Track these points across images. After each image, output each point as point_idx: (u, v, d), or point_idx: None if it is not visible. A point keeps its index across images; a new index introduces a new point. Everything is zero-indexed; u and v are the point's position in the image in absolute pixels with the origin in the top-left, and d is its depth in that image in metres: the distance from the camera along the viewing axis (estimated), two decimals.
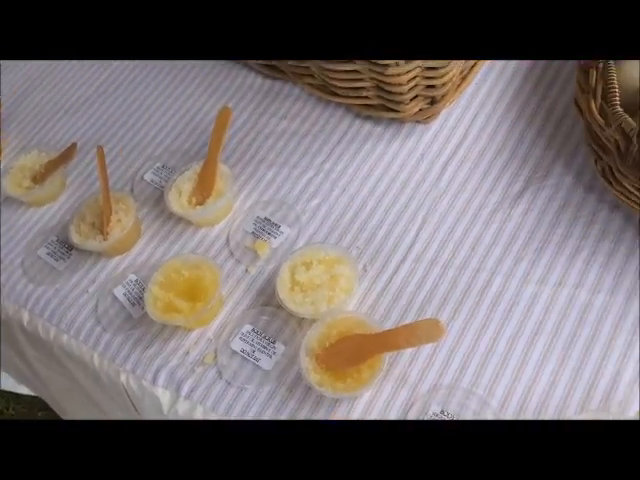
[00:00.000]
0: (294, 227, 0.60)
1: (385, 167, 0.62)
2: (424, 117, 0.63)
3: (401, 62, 0.56)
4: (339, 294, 0.53)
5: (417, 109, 0.62)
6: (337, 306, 0.52)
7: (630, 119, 0.47)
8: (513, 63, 0.65)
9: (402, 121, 0.64)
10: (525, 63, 0.64)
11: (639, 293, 0.50)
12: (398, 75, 0.57)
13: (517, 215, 0.56)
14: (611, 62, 0.50)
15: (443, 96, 0.61)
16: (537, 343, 0.50)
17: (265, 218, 0.61)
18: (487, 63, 0.65)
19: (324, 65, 0.61)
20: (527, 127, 0.61)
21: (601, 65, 0.51)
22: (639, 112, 0.50)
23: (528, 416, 0.47)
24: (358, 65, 0.58)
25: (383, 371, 0.48)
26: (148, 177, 0.67)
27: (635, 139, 0.46)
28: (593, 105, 0.51)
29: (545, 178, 0.57)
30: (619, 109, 0.48)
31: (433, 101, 0.62)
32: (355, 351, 0.48)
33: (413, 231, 0.58)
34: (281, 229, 0.60)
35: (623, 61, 0.52)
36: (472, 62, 0.62)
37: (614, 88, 0.49)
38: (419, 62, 0.56)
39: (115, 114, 0.74)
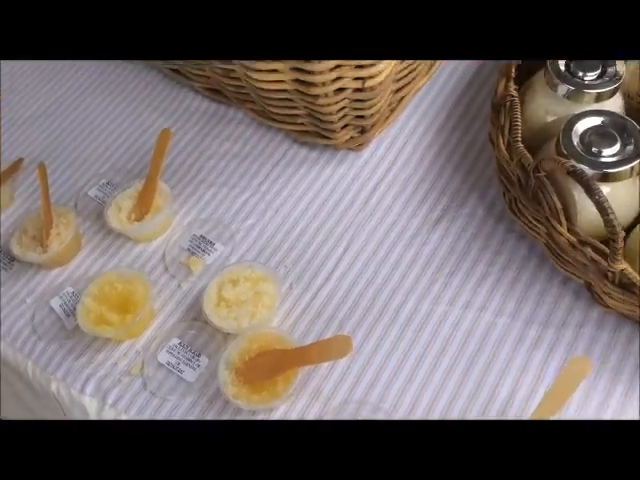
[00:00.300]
0: (228, 245, 0.63)
1: (317, 191, 0.66)
2: (355, 145, 0.67)
3: (330, 93, 0.60)
4: (261, 310, 0.56)
5: (348, 137, 0.66)
6: (259, 322, 0.55)
7: (528, 155, 0.52)
8: (441, 98, 0.69)
9: (336, 148, 0.68)
10: (451, 99, 0.69)
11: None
12: (328, 105, 0.61)
13: (434, 240, 0.60)
14: (517, 101, 0.55)
15: (372, 126, 0.65)
16: (442, 360, 0.53)
17: (201, 236, 0.64)
18: (416, 97, 0.69)
19: (261, 93, 0.64)
20: (448, 159, 0.65)
21: (508, 103, 0.55)
22: (544, 147, 0.54)
23: None
24: (292, 94, 0.62)
25: (297, 385, 0.51)
26: (92, 193, 0.70)
27: (532, 174, 0.51)
28: (501, 140, 0.55)
29: (461, 208, 0.61)
30: (520, 145, 0.53)
31: (363, 130, 0.66)
32: (272, 365, 0.51)
33: (339, 252, 0.61)
34: (215, 247, 0.63)
35: (531, 99, 0.57)
36: (400, 96, 0.67)
37: (517, 125, 0.53)
38: (347, 93, 0.60)
39: (65, 131, 0.76)
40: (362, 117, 0.64)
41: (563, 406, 0.47)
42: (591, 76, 0.53)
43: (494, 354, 0.53)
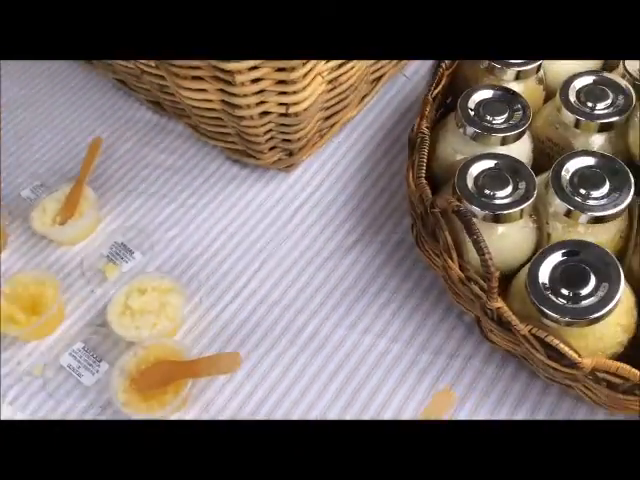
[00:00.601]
0: (146, 255, 0.64)
1: (242, 208, 0.67)
2: (283, 166, 0.68)
3: (255, 115, 0.61)
4: (164, 322, 0.57)
5: (276, 158, 0.67)
6: (160, 333, 0.56)
7: (428, 191, 0.53)
8: (372, 129, 0.71)
9: (266, 168, 0.70)
10: (382, 131, 0.71)
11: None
12: (254, 127, 0.63)
13: (345, 265, 0.61)
14: (426, 138, 0.56)
15: (300, 149, 0.67)
16: (334, 381, 0.54)
17: (122, 243, 0.65)
18: (349, 126, 0.71)
19: (194, 110, 0.66)
20: (371, 188, 0.67)
21: (419, 140, 0.57)
22: (445, 187, 0.56)
23: None
24: (221, 114, 0.64)
25: (188, 397, 0.52)
26: (25, 194, 0.71)
27: (429, 209, 0.52)
28: (410, 175, 0.57)
29: (376, 235, 0.63)
30: (422, 181, 0.54)
31: (291, 153, 0.67)
32: (162, 375, 0.52)
33: (252, 270, 0.62)
34: (134, 255, 0.65)
35: (443, 138, 0.58)
36: (331, 122, 0.69)
37: (422, 161, 0.55)
38: (272, 117, 0.62)
39: (10, 132, 0.77)
40: (289, 141, 0.65)
41: None
42: (498, 120, 0.55)
43: (384, 378, 0.54)
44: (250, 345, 0.57)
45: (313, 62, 0.58)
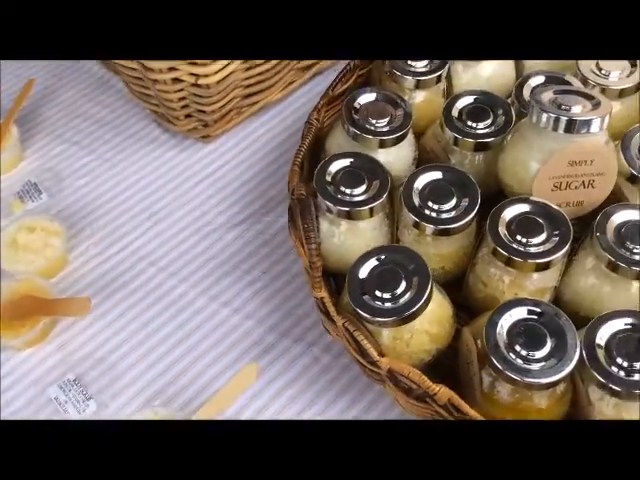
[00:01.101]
0: (54, 198, 0.68)
1: (152, 170, 0.70)
2: (198, 135, 0.71)
3: (168, 81, 0.64)
4: (41, 260, 0.60)
5: (191, 127, 0.70)
6: (36, 270, 0.60)
7: (295, 178, 0.55)
8: (295, 116, 0.73)
9: (185, 136, 0.72)
10: (303, 119, 0.72)
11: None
12: (167, 92, 0.65)
13: (227, 239, 0.64)
14: (313, 128, 0.58)
15: (215, 122, 0.69)
16: (182, 344, 0.57)
17: (34, 183, 0.69)
18: (273, 110, 0.73)
19: (123, 70, 0.69)
20: (275, 171, 0.69)
21: (305, 129, 0.59)
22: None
23: None
24: (141, 75, 0.66)
25: (39, 332, 0.56)
26: None
27: (290, 195, 0.54)
28: (297, 162, 0.59)
29: (265, 215, 0.65)
30: (295, 167, 0.56)
31: (206, 124, 0.70)
32: (23, 309, 0.56)
33: (143, 228, 0.65)
34: (42, 196, 0.68)
35: (332, 132, 0.60)
36: (251, 102, 0.71)
37: (302, 149, 0.57)
38: (185, 85, 0.64)
39: None
40: (203, 112, 0.68)
41: (228, 406, 0.52)
42: (381, 123, 0.56)
43: (226, 351, 0.56)
44: (118, 298, 0.60)
45: None
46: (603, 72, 0.56)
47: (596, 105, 0.48)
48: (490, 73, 0.63)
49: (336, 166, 0.53)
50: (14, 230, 0.62)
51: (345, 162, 0.53)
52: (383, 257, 0.48)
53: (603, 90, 0.55)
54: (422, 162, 0.59)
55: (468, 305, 0.53)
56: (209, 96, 0.65)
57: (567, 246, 0.47)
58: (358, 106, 0.57)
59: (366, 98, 0.57)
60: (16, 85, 0.78)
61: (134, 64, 0.64)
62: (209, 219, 0.66)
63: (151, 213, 0.67)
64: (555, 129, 0.48)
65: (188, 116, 0.69)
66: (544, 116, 0.48)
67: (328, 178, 0.53)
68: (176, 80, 0.64)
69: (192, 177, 0.70)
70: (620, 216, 0.48)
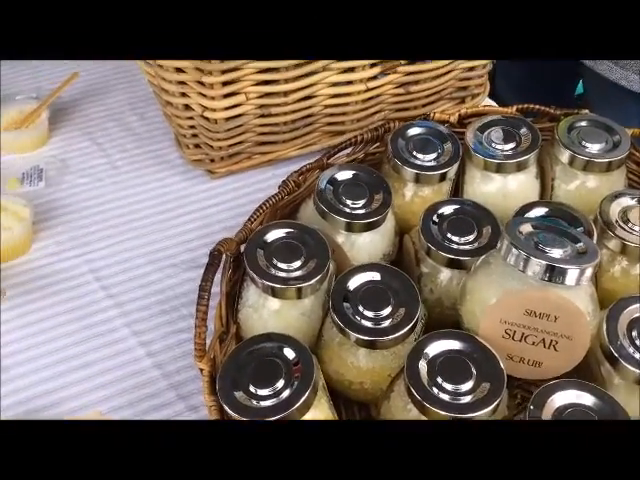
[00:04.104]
0: (50, 188, 0.68)
1: (150, 189, 0.68)
2: (204, 168, 0.68)
3: (180, 105, 0.62)
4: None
5: (197, 157, 0.67)
6: None
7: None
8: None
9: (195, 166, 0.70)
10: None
11: None
12: (178, 117, 0.64)
13: (183, 278, 0.59)
14: (285, 191, 0.53)
15: (222, 159, 0.67)
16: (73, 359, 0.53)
17: (40, 169, 0.70)
18: (291, 163, 0.68)
19: (156, 91, 0.69)
20: None
21: (279, 189, 0.53)
22: None
23: None
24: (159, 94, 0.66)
25: None
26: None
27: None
28: None
29: None
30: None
31: (213, 160, 0.67)
32: None
33: (108, 242, 0.63)
34: (40, 183, 0.69)
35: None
36: (264, 150, 0.67)
37: (260, 210, 0.52)
38: (194, 114, 0.62)
39: None
40: (210, 146, 0.65)
41: None
42: (358, 204, 0.50)
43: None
44: (50, 301, 0.57)
45: (234, 75, 0.58)
46: (630, 225, 0.46)
47: (581, 253, 0.38)
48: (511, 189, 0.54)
49: (274, 235, 0.47)
50: None
51: (283, 232, 0.47)
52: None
53: (624, 246, 0.45)
54: (399, 263, 0.52)
55: None
56: (216, 131, 0.63)
57: None
58: (330, 184, 0.51)
59: (344, 175, 0.51)
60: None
61: (155, 80, 0.64)
62: (173, 253, 0.62)
63: (125, 230, 0.64)
64: (523, 270, 0.39)
65: (197, 146, 0.67)
66: (513, 251, 0.39)
67: (261, 245, 0.47)
68: (187, 107, 0.62)
69: (182, 207, 0.67)
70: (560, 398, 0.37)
